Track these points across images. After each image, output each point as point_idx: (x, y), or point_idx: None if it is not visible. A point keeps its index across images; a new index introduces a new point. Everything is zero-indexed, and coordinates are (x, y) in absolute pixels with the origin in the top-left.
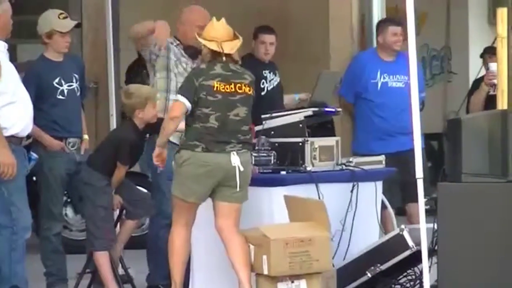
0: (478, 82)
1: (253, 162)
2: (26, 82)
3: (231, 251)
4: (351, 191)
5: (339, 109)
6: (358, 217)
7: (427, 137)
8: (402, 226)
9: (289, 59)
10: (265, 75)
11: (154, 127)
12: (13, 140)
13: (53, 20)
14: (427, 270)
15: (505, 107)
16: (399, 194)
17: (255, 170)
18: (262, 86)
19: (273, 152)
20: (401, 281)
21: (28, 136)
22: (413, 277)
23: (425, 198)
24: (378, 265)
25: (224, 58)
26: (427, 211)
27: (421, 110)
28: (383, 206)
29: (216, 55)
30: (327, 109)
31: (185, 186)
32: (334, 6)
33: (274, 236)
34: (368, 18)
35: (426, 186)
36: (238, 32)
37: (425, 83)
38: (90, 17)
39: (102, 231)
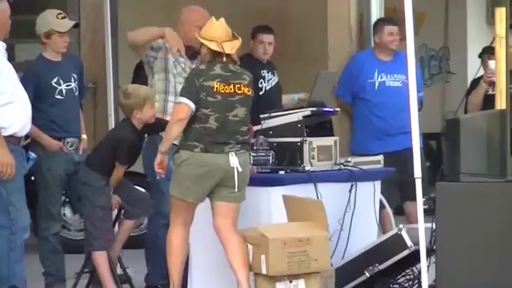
0: (476, 82)
1: (252, 162)
2: (24, 82)
3: (229, 251)
4: (350, 191)
5: (338, 109)
6: (356, 216)
7: (426, 137)
8: (401, 226)
9: (288, 59)
10: (263, 74)
11: (153, 127)
12: (11, 140)
13: (51, 20)
14: (425, 270)
15: (504, 107)
16: (398, 194)
17: (253, 170)
18: (260, 86)
19: (272, 151)
20: (399, 280)
21: (27, 136)
22: (412, 276)
23: (423, 197)
24: (377, 264)
25: (224, 59)
26: (425, 210)
27: (419, 110)
28: (382, 206)
29: (216, 55)
30: (325, 109)
31: (183, 186)
32: (333, 6)
33: (273, 235)
34: (366, 18)
35: (425, 186)
36: (237, 32)
37: (424, 83)
38: (88, 17)
39: (100, 231)
